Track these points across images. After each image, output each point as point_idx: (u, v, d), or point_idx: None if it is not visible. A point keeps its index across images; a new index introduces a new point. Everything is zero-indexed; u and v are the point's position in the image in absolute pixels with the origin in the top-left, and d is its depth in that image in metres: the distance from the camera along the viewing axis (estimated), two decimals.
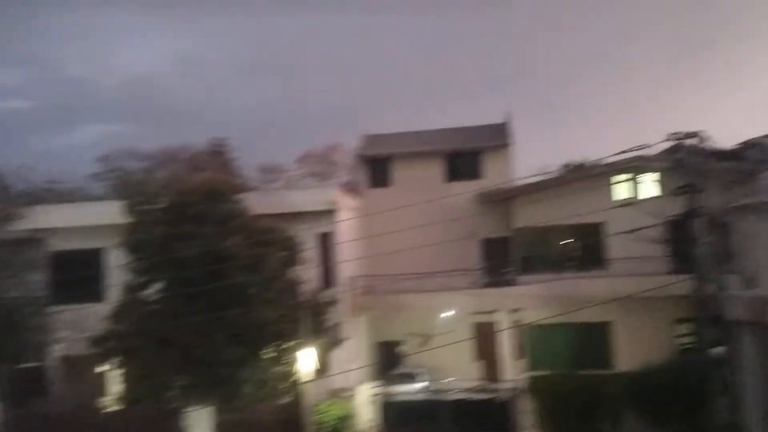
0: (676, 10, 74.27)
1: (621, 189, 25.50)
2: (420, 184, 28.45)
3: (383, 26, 77.95)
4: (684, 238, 17.86)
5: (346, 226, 25.69)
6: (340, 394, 22.96)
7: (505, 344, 25.46)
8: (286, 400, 20.43)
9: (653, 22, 74.35)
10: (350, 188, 29.79)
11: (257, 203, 22.25)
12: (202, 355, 18.84)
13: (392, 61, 74.87)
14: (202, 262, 18.99)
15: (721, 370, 14.87)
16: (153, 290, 20.32)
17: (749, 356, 7.05)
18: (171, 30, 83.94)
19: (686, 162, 16.80)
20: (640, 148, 17.82)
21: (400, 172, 29.18)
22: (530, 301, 24.36)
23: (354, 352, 24.38)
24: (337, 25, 77.92)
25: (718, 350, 15.13)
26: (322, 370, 20.80)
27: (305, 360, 19.47)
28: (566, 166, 35.30)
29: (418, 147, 29.65)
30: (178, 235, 19.47)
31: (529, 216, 26.33)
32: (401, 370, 26.25)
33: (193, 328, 18.80)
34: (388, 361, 26.85)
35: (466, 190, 28.05)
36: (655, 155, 22.70)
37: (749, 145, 28.12)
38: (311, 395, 20.10)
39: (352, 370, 23.21)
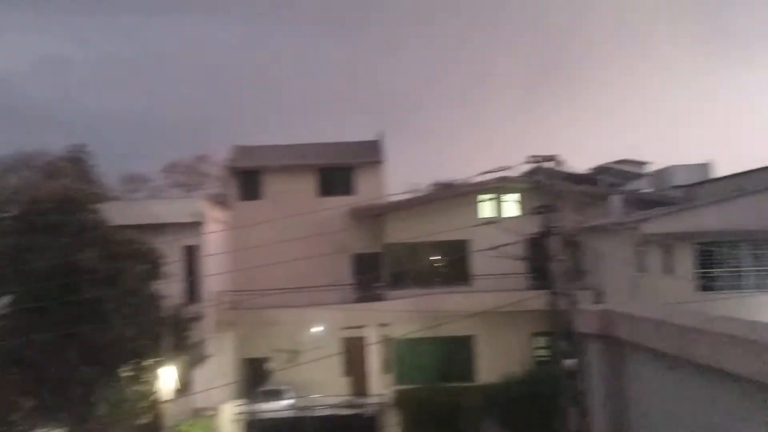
0: (541, 41, 78.69)
1: (486, 207, 26.57)
2: (292, 198, 28.25)
3: (260, 38, 77.18)
4: (541, 255, 18.84)
5: (214, 238, 25.04)
6: (203, 413, 22.22)
7: (374, 359, 25.70)
8: (144, 420, 19.49)
9: (519, 49, 78.35)
10: (219, 200, 29.08)
11: (118, 214, 21.21)
12: (54, 375, 17.63)
13: (267, 74, 74.19)
14: (55, 275, 17.82)
15: (573, 381, 15.78)
16: (0, 305, 18.83)
17: (596, 367, 7.51)
18: (32, 28, 78.86)
19: (543, 184, 17.75)
20: (502, 169, 18.71)
21: (271, 185, 28.84)
22: (399, 316, 24.76)
23: (219, 369, 23.70)
24: (212, 32, 76.29)
25: (571, 362, 16.05)
26: (184, 389, 20.05)
27: (166, 378, 18.70)
28: (435, 184, 36.30)
29: (291, 160, 29.47)
30: (30, 246, 18.19)
31: (400, 232, 26.83)
32: (268, 387, 25.80)
33: (44, 345, 17.56)
34: (255, 378, 26.32)
35: (338, 205, 28.17)
36: (516, 176, 23.85)
37: (600, 170, 30.18)
38: (172, 415, 19.31)
39: (216, 387, 22.54)
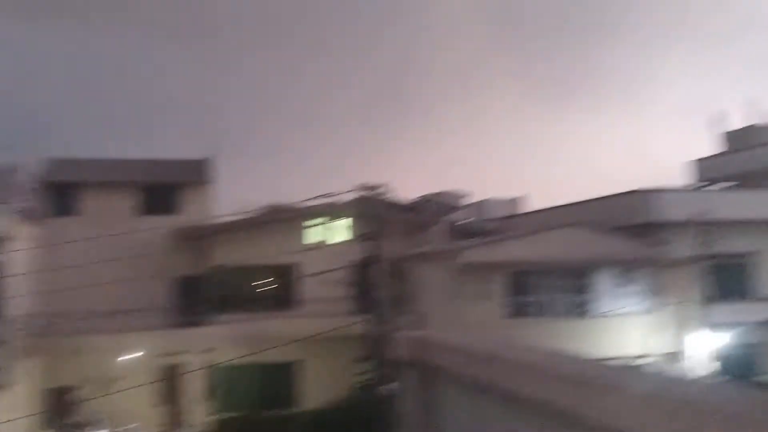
0: (380, 73, 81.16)
1: (314, 232, 26.78)
2: (111, 216, 26.77)
3: (83, 45, 72.79)
4: (366, 281, 19.30)
5: (21, 257, 23.04)
6: None
7: (194, 387, 24.80)
8: None
9: (358, 79, 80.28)
10: (28, 215, 26.81)
11: None
12: None
13: (90, 83, 70.05)
14: None
15: (392, 405, 16.24)
16: None
17: (411, 392, 7.83)
18: None
19: (369, 211, 18.26)
20: (331, 195, 19.03)
21: (88, 201, 27.13)
22: (222, 342, 24.11)
23: (21, 399, 21.74)
24: (29, 36, 70.83)
25: (389, 387, 16.53)
26: None
27: None
28: (265, 207, 36.00)
29: (111, 176, 27.94)
30: None
31: (226, 255, 26.28)
32: (76, 418, 24.03)
33: None
34: (62, 409, 24.39)
35: (161, 224, 27.07)
36: (345, 203, 24.32)
37: (424, 200, 31.55)
38: None
39: (17, 419, 20.63)
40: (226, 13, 77.15)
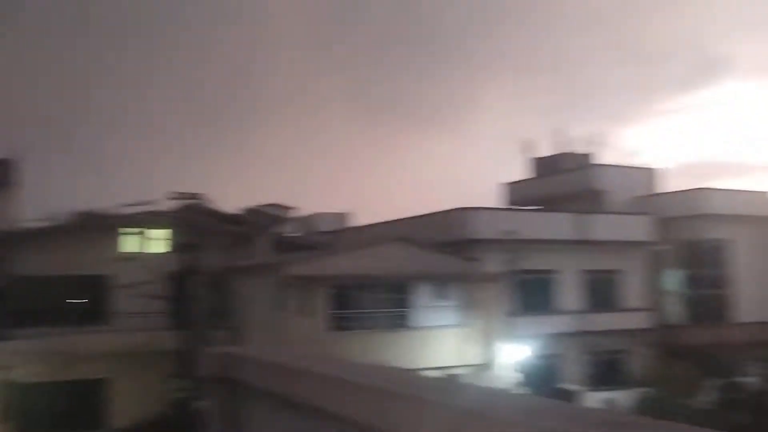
0: (213, 82, 79.03)
1: (129, 242, 25.31)
2: None
3: None
4: (183, 294, 18.58)
5: None
6: None
7: None
8: None
9: (192, 89, 77.68)
10: None
11: None
12: None
13: None
14: None
15: (203, 422, 15.69)
16: None
17: (216, 410, 7.56)
18: None
19: (187, 221, 17.67)
20: (147, 203, 18.17)
21: None
22: (22, 358, 22.11)
23: None
24: None
25: (198, 404, 15.94)
26: None
27: None
28: (76, 212, 33.63)
29: None
30: None
31: (30, 263, 24.16)
32: None
33: None
34: None
35: None
36: (164, 212, 23.30)
37: (250, 212, 31.01)
38: None
39: None
40: (49, 8, 71.84)
